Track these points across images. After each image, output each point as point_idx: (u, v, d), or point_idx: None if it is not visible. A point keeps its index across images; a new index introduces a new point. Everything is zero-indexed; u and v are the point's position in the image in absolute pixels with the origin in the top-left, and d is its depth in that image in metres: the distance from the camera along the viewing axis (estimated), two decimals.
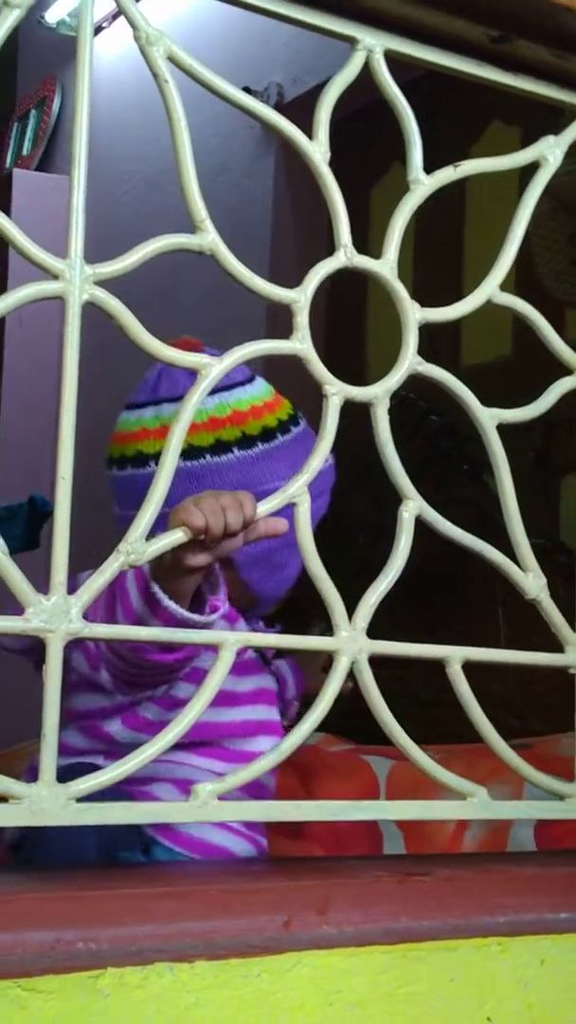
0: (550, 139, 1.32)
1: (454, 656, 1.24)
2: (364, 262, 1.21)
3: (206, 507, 1.19)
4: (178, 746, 1.09)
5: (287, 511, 1.16)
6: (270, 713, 1.58)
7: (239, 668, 1.41)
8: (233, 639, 1.11)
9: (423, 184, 1.24)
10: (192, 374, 1.27)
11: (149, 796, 1.46)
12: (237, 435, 1.52)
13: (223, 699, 1.41)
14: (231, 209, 3.26)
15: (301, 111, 2.91)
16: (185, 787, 1.35)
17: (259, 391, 1.57)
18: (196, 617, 1.22)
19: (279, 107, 3.19)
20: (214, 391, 1.31)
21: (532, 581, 1.27)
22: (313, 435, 1.21)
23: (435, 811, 1.29)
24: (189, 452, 1.50)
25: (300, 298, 1.17)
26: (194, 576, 1.24)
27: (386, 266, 1.22)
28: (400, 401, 2.38)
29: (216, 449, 1.51)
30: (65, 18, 4.06)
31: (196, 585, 1.26)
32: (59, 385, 1.05)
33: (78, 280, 1.06)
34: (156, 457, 1.39)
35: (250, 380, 1.57)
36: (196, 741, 1.47)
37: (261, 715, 1.56)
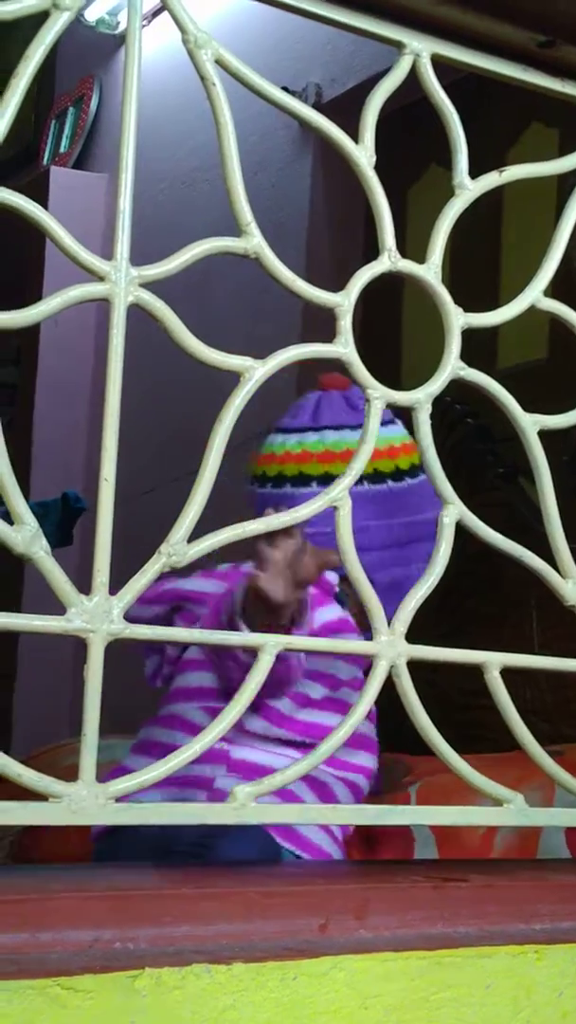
0: None
1: (492, 662, 1.24)
2: (409, 267, 1.21)
3: (272, 575, 1.31)
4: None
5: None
6: (368, 728, 1.64)
7: None
8: (273, 642, 1.12)
9: (468, 189, 1.24)
10: (351, 407, 1.61)
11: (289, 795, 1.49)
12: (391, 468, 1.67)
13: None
14: (267, 209, 3.26)
15: (339, 112, 2.91)
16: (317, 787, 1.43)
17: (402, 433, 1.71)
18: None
19: (317, 107, 3.18)
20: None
21: (572, 588, 1.27)
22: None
23: (472, 816, 1.29)
24: (374, 476, 1.64)
25: (344, 302, 1.17)
26: (282, 611, 1.33)
27: (431, 271, 1.22)
28: (436, 403, 2.37)
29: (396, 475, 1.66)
30: (104, 16, 4.07)
31: (288, 616, 1.34)
32: (102, 386, 1.05)
33: (124, 282, 1.06)
34: (319, 479, 1.60)
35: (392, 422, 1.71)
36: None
37: (363, 728, 1.60)
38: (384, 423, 1.65)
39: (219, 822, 1.10)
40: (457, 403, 2.57)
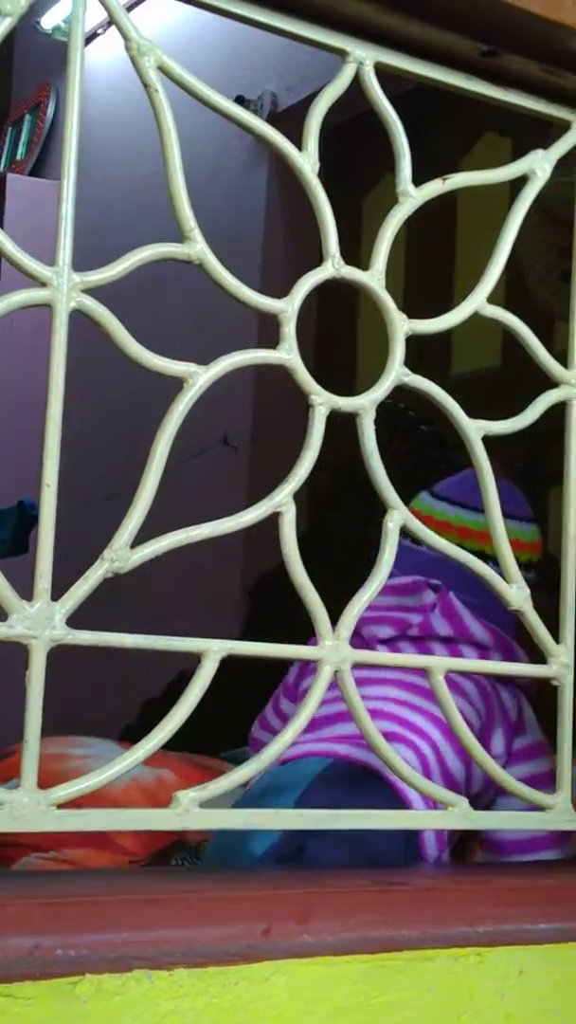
0: (539, 153, 1.33)
1: (437, 667, 1.24)
2: (352, 273, 1.21)
3: None
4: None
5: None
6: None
7: None
8: (216, 647, 1.12)
9: (412, 197, 1.24)
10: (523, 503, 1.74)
11: None
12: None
13: None
14: (223, 218, 3.26)
15: (295, 120, 2.92)
16: None
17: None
18: None
19: (272, 116, 3.20)
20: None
21: (515, 593, 1.28)
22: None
23: (419, 820, 1.30)
24: (527, 566, 1.72)
25: (287, 308, 1.17)
26: None
27: (374, 277, 1.22)
28: (389, 410, 2.39)
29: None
30: (60, 24, 4.06)
31: None
32: (46, 392, 1.06)
33: (66, 288, 1.06)
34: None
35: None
36: None
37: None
38: (522, 519, 1.80)
39: (162, 828, 1.10)
40: (411, 410, 2.59)
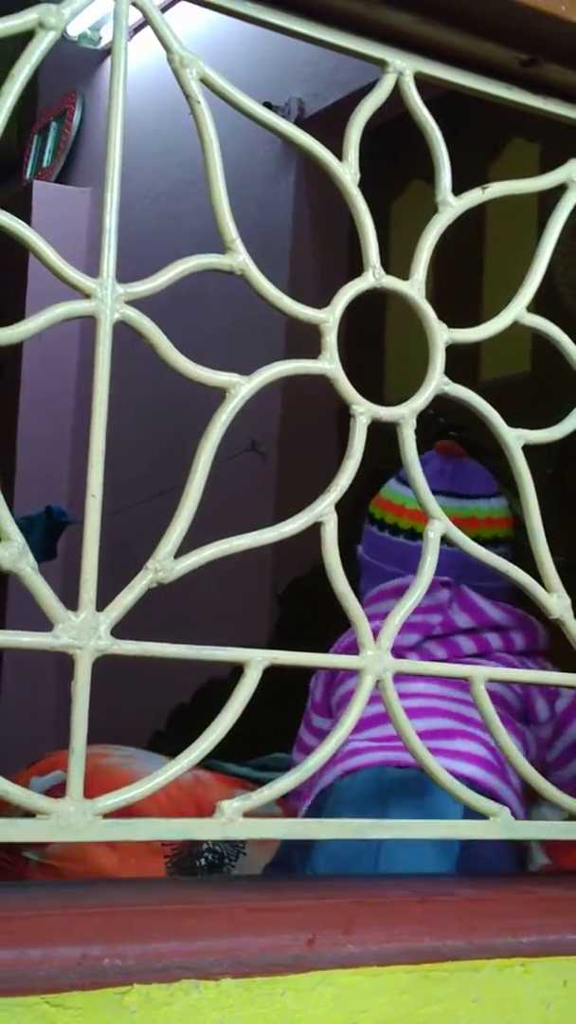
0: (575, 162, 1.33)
1: (478, 676, 1.24)
2: (393, 283, 1.21)
3: None
4: None
5: None
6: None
7: None
8: (260, 656, 1.12)
9: (451, 206, 1.25)
10: (483, 481, 1.77)
11: None
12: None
13: None
14: (250, 224, 3.25)
15: (322, 126, 2.92)
16: None
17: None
18: None
19: (300, 122, 3.21)
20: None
21: (556, 602, 1.27)
22: None
23: (459, 830, 1.29)
24: (494, 541, 1.77)
25: (329, 318, 1.18)
26: None
27: (414, 287, 1.22)
28: (419, 417, 2.37)
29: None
30: (87, 32, 4.08)
31: None
32: (86, 398, 1.06)
33: (110, 299, 1.06)
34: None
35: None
36: None
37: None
38: (491, 496, 1.86)
39: (206, 837, 1.10)
40: (440, 416, 2.58)
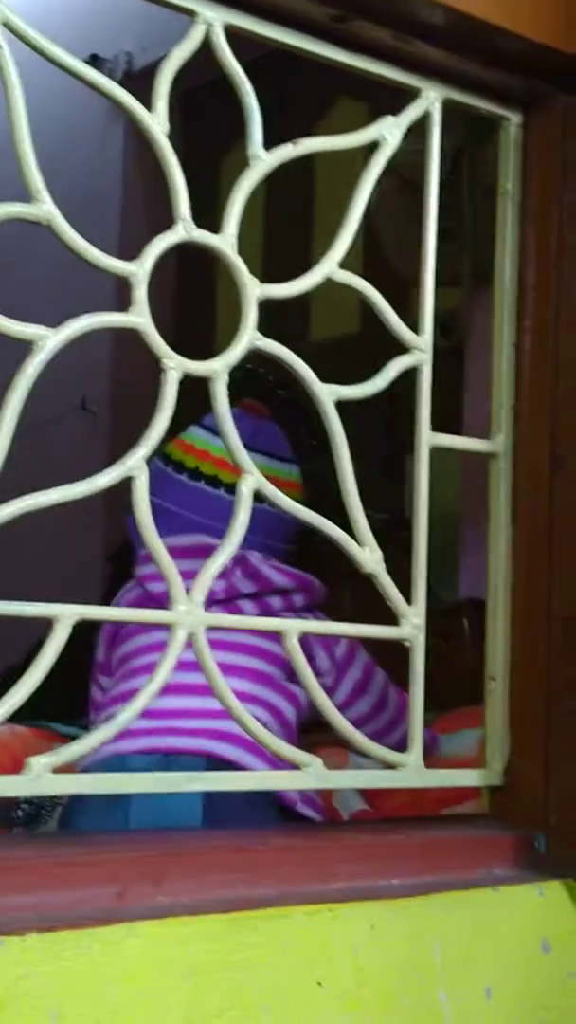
0: (389, 119, 1.34)
1: (291, 629, 1.26)
2: (204, 236, 1.21)
3: None
4: None
5: None
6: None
7: None
8: (69, 612, 1.11)
9: (263, 160, 1.24)
10: (284, 446, 1.88)
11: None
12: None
13: None
14: (80, 179, 3.21)
15: (150, 80, 2.88)
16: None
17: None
18: None
19: (128, 76, 3.16)
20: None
21: (368, 555, 1.29)
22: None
23: (273, 781, 1.31)
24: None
25: (138, 271, 1.17)
26: None
27: (226, 241, 1.22)
28: (248, 375, 2.38)
29: None
30: None
31: None
32: None
33: None
34: (228, 486, 1.75)
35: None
36: None
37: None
38: (285, 460, 1.92)
39: (15, 793, 1.09)
40: (270, 375, 2.59)
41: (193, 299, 3.20)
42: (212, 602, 1.72)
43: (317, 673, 1.73)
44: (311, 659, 1.70)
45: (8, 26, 1.09)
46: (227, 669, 1.65)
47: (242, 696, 1.64)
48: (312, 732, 1.67)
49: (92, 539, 3.20)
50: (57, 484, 1.13)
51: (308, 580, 1.78)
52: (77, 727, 2.27)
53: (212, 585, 1.72)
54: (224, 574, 1.72)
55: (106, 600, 2.98)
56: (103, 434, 3.36)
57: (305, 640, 1.70)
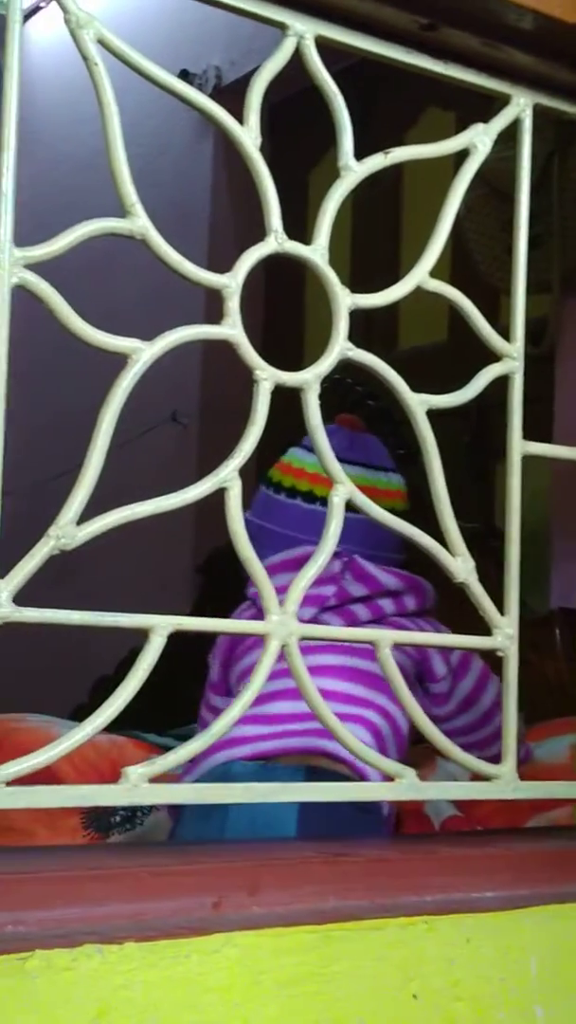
0: (479, 127, 1.33)
1: (383, 639, 1.25)
2: (295, 248, 1.21)
3: None
4: None
5: None
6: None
7: None
8: (164, 623, 1.12)
9: (353, 171, 1.25)
10: (383, 456, 1.86)
11: None
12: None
13: None
14: (170, 192, 3.24)
15: (240, 94, 2.90)
16: None
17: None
18: None
19: (217, 90, 3.19)
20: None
21: (460, 565, 1.29)
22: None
23: (368, 792, 1.31)
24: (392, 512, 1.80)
25: (231, 283, 1.17)
26: None
27: (317, 252, 1.22)
28: (336, 385, 2.38)
29: None
30: None
31: None
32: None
33: (7, 263, 1.05)
34: (323, 499, 1.65)
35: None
36: None
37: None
38: (389, 470, 1.93)
39: (111, 803, 1.10)
40: (358, 385, 2.59)
41: (281, 311, 3.21)
42: (324, 608, 1.73)
43: (433, 679, 1.73)
44: (428, 667, 1.71)
45: (103, 43, 1.11)
46: (340, 672, 1.67)
47: (354, 700, 1.65)
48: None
49: (182, 551, 3.22)
50: (147, 496, 1.14)
51: (418, 581, 1.79)
52: (169, 737, 2.29)
53: (323, 591, 1.75)
54: (333, 578, 1.74)
55: (197, 612, 3.00)
56: (192, 446, 3.39)
57: (423, 655, 1.71)
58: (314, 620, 1.73)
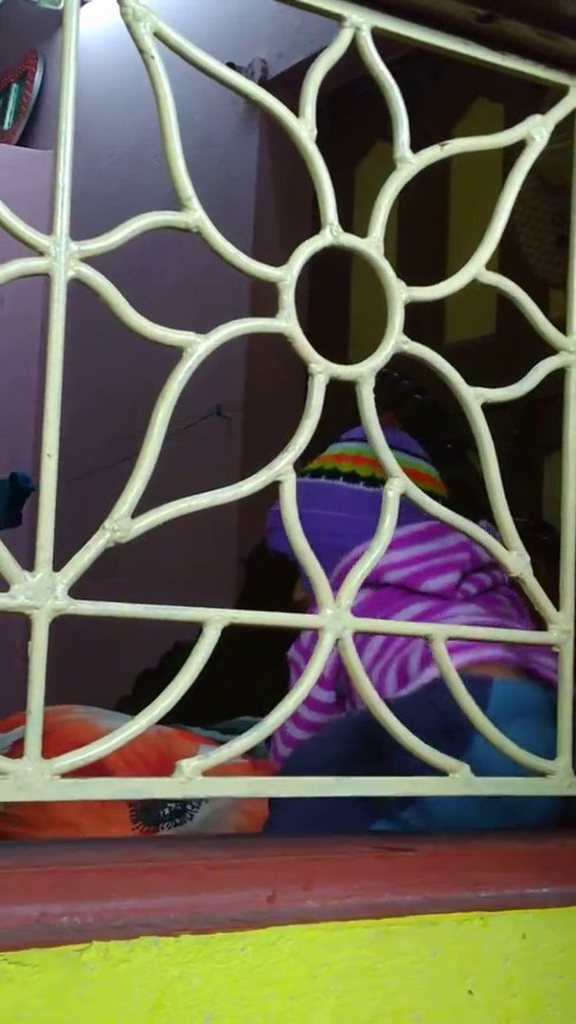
0: (536, 118, 1.32)
1: (438, 634, 1.25)
2: (351, 240, 1.21)
3: None
4: None
5: None
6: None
7: None
8: (218, 616, 1.12)
9: (410, 163, 1.24)
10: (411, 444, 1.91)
11: None
12: None
13: None
14: (215, 185, 3.25)
15: (285, 87, 2.90)
16: None
17: None
18: None
19: (263, 83, 3.18)
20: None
21: (516, 559, 1.28)
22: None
23: (421, 787, 1.30)
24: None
25: (286, 276, 1.17)
26: None
27: (372, 244, 1.22)
28: (383, 379, 2.38)
29: None
30: None
31: None
32: (44, 362, 1.05)
33: (64, 257, 1.05)
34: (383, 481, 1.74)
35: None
36: None
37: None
38: (421, 457, 1.98)
39: (165, 796, 1.10)
40: (405, 379, 2.58)
41: (327, 304, 3.20)
42: (464, 573, 1.78)
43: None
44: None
45: (159, 35, 1.10)
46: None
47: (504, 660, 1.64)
48: None
49: (228, 544, 3.23)
50: (192, 489, 1.14)
51: None
52: (214, 731, 2.29)
53: (458, 556, 1.77)
54: (463, 546, 1.78)
55: (242, 605, 3.01)
56: (236, 439, 3.39)
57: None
58: (457, 586, 1.76)
